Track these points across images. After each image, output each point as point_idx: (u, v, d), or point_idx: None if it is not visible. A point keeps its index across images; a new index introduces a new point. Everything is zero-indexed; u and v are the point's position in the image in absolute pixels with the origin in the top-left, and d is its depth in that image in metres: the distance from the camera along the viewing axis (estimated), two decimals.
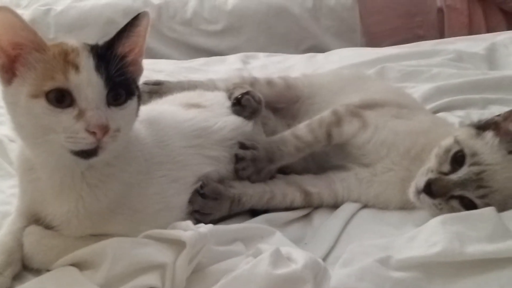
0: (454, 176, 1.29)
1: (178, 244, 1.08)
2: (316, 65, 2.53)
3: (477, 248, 1.10)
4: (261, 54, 2.74)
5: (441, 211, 1.27)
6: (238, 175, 1.45)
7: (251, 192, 1.42)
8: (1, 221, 1.26)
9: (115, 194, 1.17)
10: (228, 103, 1.55)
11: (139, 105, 1.17)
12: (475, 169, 1.28)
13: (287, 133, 1.53)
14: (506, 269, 1.08)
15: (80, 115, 1.04)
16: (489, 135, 1.33)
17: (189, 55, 3.06)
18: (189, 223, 1.15)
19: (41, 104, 1.03)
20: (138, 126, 1.24)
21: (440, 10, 3.43)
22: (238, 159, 1.44)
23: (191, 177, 1.34)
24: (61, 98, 1.04)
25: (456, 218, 1.20)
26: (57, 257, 1.12)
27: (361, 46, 3.26)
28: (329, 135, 1.51)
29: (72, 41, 1.12)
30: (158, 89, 1.72)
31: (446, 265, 1.10)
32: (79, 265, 1.10)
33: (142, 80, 1.64)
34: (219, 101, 1.56)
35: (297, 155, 1.51)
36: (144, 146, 1.26)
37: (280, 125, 1.67)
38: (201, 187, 1.34)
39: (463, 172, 1.29)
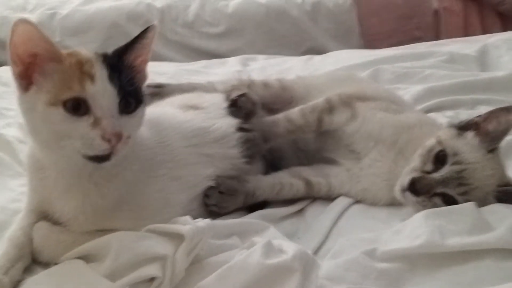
0: (437, 175, 1.35)
1: (177, 238, 1.13)
2: (313, 67, 2.58)
3: (457, 241, 1.17)
4: (260, 57, 2.80)
5: (425, 208, 1.33)
6: (249, 155, 1.52)
7: (264, 186, 1.50)
8: (12, 217, 1.31)
9: (119, 192, 1.22)
10: (225, 105, 1.60)
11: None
12: (456, 167, 1.35)
13: (280, 116, 1.60)
14: (484, 260, 1.15)
15: (96, 123, 1.09)
16: (469, 135, 1.40)
17: (191, 57, 3.12)
18: (187, 218, 1.20)
19: (59, 112, 1.09)
20: (141, 127, 1.29)
21: (436, 12, 3.46)
22: (245, 141, 1.51)
23: (191, 176, 1.39)
24: (77, 106, 1.09)
25: (438, 212, 1.27)
26: (65, 251, 1.17)
27: (359, 48, 3.30)
28: (320, 121, 1.58)
29: (84, 51, 1.17)
30: (160, 91, 1.78)
31: (428, 257, 1.17)
32: (86, 258, 1.15)
33: None
34: (216, 102, 1.60)
35: (287, 136, 1.59)
36: (146, 146, 1.31)
37: None
38: (217, 185, 1.43)
39: (445, 170, 1.35)
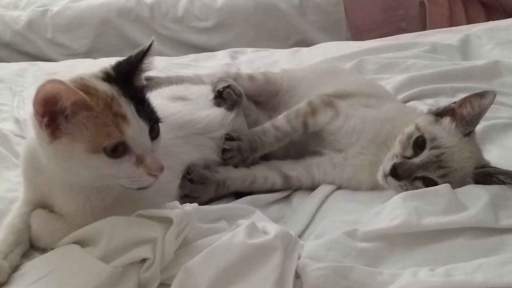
0: (417, 160, 1.42)
1: (166, 222, 1.18)
2: (300, 59, 2.62)
3: (432, 220, 1.24)
4: (248, 50, 2.82)
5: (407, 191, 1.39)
6: (225, 163, 1.57)
7: (234, 176, 1.55)
8: (9, 206, 1.36)
9: (116, 192, 1.27)
10: (211, 96, 1.66)
11: None
12: (435, 152, 1.41)
13: (267, 125, 1.65)
14: (458, 238, 1.22)
15: (139, 160, 1.15)
16: (446, 120, 1.47)
17: (181, 52, 3.13)
18: (176, 203, 1.25)
19: (102, 159, 1.12)
20: None
21: (421, 4, 3.51)
22: (224, 149, 1.56)
23: (180, 165, 1.46)
24: (116, 148, 1.13)
25: (415, 194, 1.34)
26: (61, 237, 1.22)
27: (347, 39, 3.35)
28: (305, 125, 1.63)
29: (97, 83, 1.17)
30: (148, 84, 1.79)
31: (405, 236, 1.24)
32: (81, 243, 1.20)
33: None
34: (203, 94, 1.66)
35: (276, 144, 1.63)
36: None
37: (262, 117, 1.79)
38: (188, 173, 1.47)
39: (424, 155, 1.42)
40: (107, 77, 1.21)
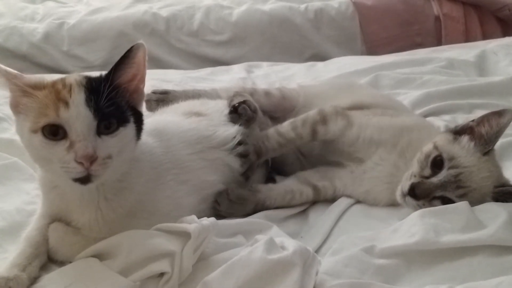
0: (435, 179, 1.41)
1: (184, 236, 1.19)
2: (316, 73, 2.63)
3: (450, 238, 1.23)
4: (264, 64, 2.84)
5: None
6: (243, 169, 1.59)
7: (274, 195, 1.56)
8: (28, 218, 1.36)
9: (129, 204, 1.28)
10: (227, 111, 1.66)
11: (140, 129, 1.27)
12: (453, 171, 1.40)
13: (271, 130, 1.66)
14: (477, 256, 1.21)
15: (71, 146, 1.13)
16: (465, 139, 1.45)
17: (196, 65, 3.15)
18: (193, 217, 1.25)
19: (39, 138, 1.14)
20: (146, 138, 1.34)
21: (437, 18, 3.51)
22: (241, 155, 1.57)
23: (197, 180, 1.45)
24: (55, 131, 1.14)
25: (433, 211, 1.33)
26: (79, 251, 1.22)
27: (362, 54, 3.35)
28: (314, 132, 1.63)
29: (71, 77, 1.21)
30: (165, 98, 1.83)
31: (423, 253, 1.23)
32: (99, 256, 1.20)
33: (150, 89, 1.76)
34: (219, 109, 1.66)
35: (279, 150, 1.64)
36: (152, 156, 1.37)
37: None
38: (227, 193, 1.48)
39: (442, 175, 1.41)
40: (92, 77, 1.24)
